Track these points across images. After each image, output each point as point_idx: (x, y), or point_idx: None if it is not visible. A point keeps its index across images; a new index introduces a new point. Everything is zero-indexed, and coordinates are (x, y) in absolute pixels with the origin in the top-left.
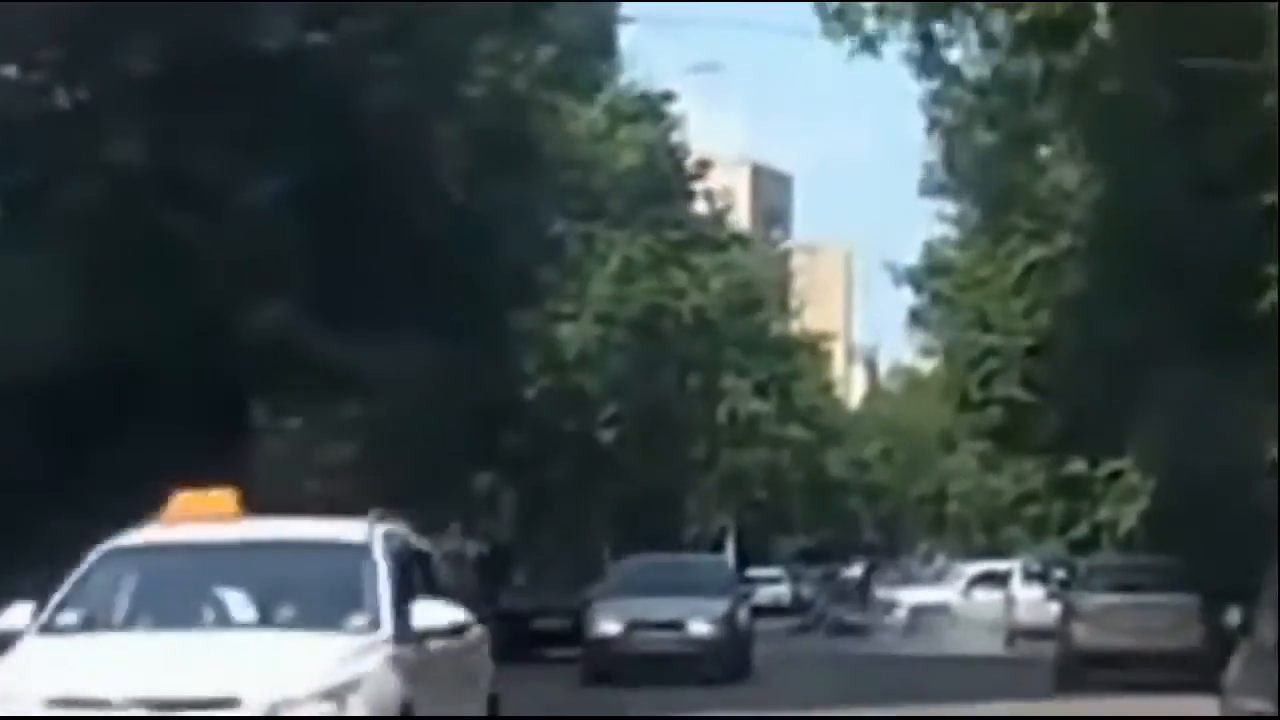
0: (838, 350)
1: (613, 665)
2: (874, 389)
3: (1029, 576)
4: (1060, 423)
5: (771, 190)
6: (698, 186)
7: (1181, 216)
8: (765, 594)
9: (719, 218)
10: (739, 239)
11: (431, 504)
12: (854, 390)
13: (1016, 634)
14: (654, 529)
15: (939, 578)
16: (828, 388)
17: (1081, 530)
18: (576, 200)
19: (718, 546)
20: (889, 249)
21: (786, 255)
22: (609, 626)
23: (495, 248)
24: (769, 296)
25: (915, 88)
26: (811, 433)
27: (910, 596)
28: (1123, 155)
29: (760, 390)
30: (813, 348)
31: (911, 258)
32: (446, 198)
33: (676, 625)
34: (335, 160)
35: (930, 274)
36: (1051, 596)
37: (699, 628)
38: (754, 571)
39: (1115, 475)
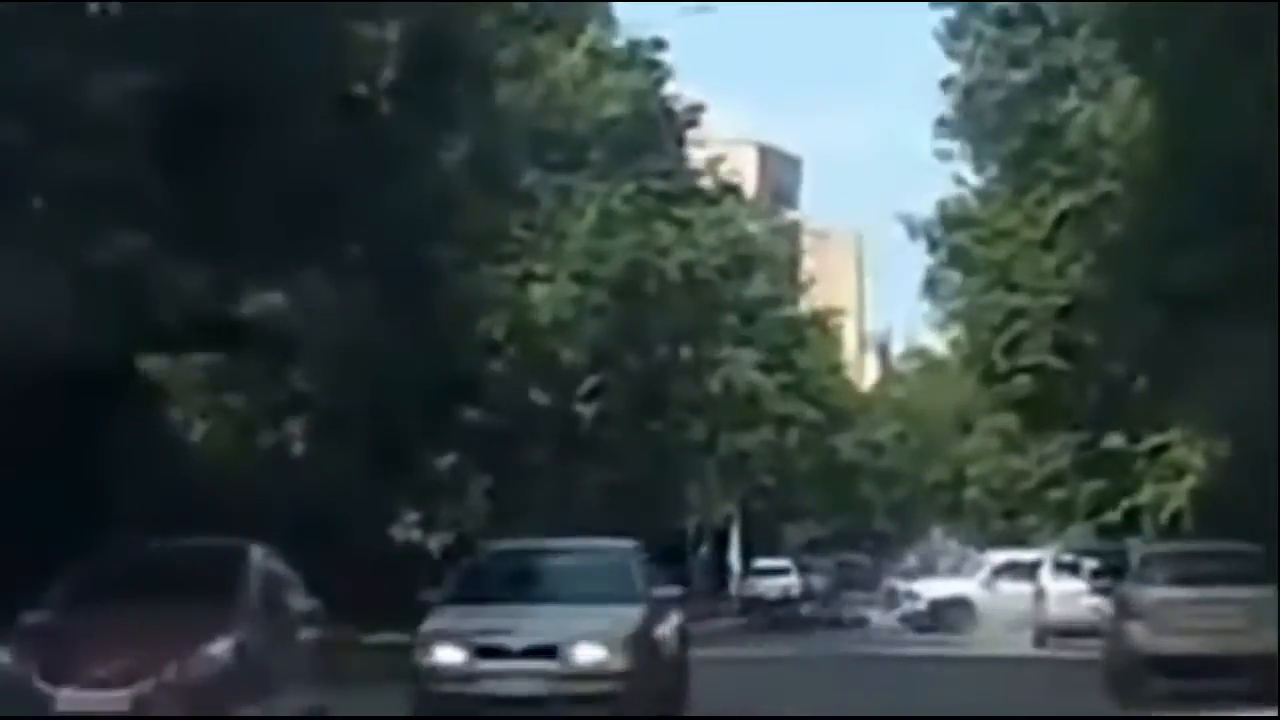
0: (849, 334)
1: (452, 711)
2: (887, 374)
3: (1060, 567)
4: (1097, 392)
5: (779, 172)
6: (691, 135)
7: (1251, 141)
8: (773, 586)
9: (713, 168)
10: (734, 191)
11: (379, 489)
12: (866, 378)
13: (1047, 632)
14: (649, 518)
15: (957, 568)
16: (837, 368)
17: (1115, 514)
18: (553, 149)
19: (722, 537)
20: (900, 234)
21: (795, 227)
22: (445, 655)
23: (417, 173)
24: (775, 272)
25: (932, 19)
26: (820, 412)
27: (927, 588)
28: (1179, 75)
29: (766, 369)
30: (822, 324)
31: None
32: (358, 110)
33: (550, 652)
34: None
35: (948, 228)
36: (1098, 590)
37: (588, 654)
38: (761, 562)
39: (1159, 450)
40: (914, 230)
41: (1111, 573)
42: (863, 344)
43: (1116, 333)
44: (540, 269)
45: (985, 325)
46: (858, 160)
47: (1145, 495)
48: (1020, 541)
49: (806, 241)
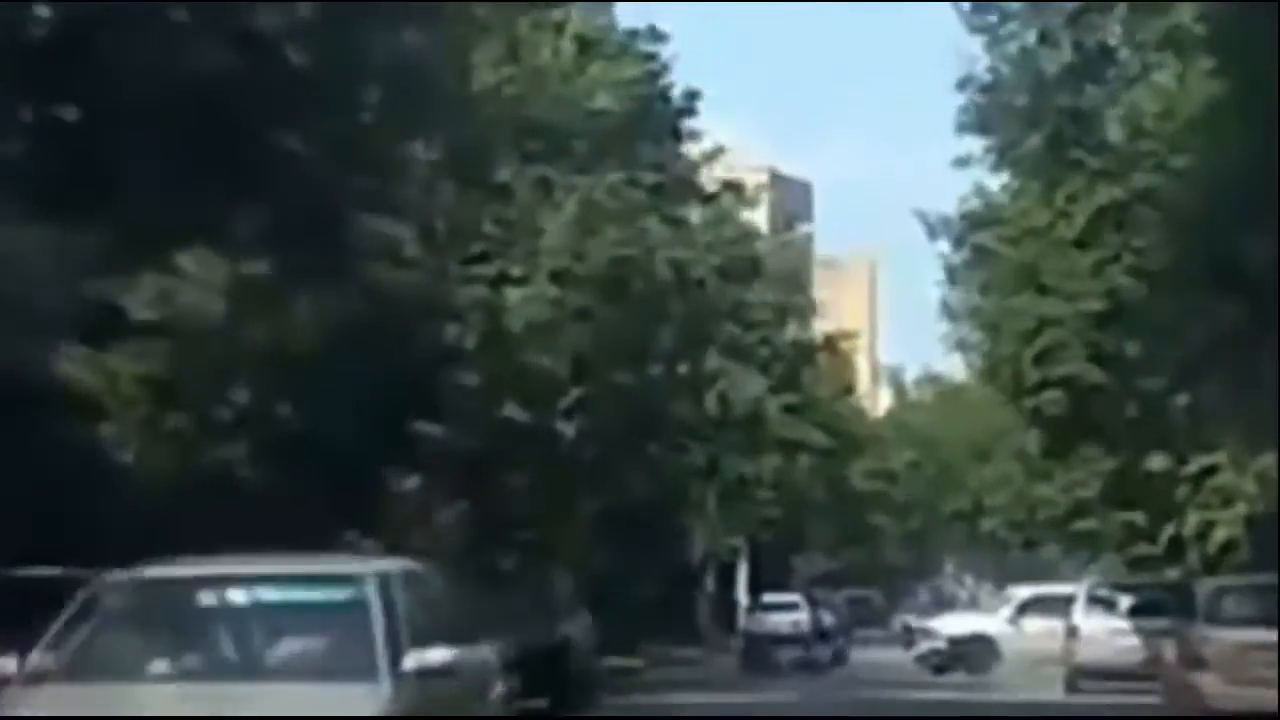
0: (862, 365)
1: None
2: (900, 403)
3: (1094, 602)
4: (1136, 409)
5: (790, 198)
6: (686, 126)
7: None
8: (781, 622)
9: (711, 160)
10: (735, 188)
11: (331, 515)
12: (879, 409)
13: (1080, 674)
14: (649, 552)
15: (973, 602)
16: (849, 390)
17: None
18: (535, 139)
19: (728, 570)
20: (915, 265)
21: (807, 243)
22: None
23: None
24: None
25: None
26: (829, 438)
27: (945, 625)
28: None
29: (772, 390)
30: (833, 348)
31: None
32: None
33: None
34: None
35: (971, 226)
36: (1138, 629)
37: None
38: (768, 597)
39: (1207, 473)
40: (933, 229)
41: (1151, 609)
42: (875, 375)
43: (1160, 342)
44: (516, 270)
45: (1012, 334)
46: (870, 187)
47: (1190, 523)
48: (1039, 576)
49: (817, 272)
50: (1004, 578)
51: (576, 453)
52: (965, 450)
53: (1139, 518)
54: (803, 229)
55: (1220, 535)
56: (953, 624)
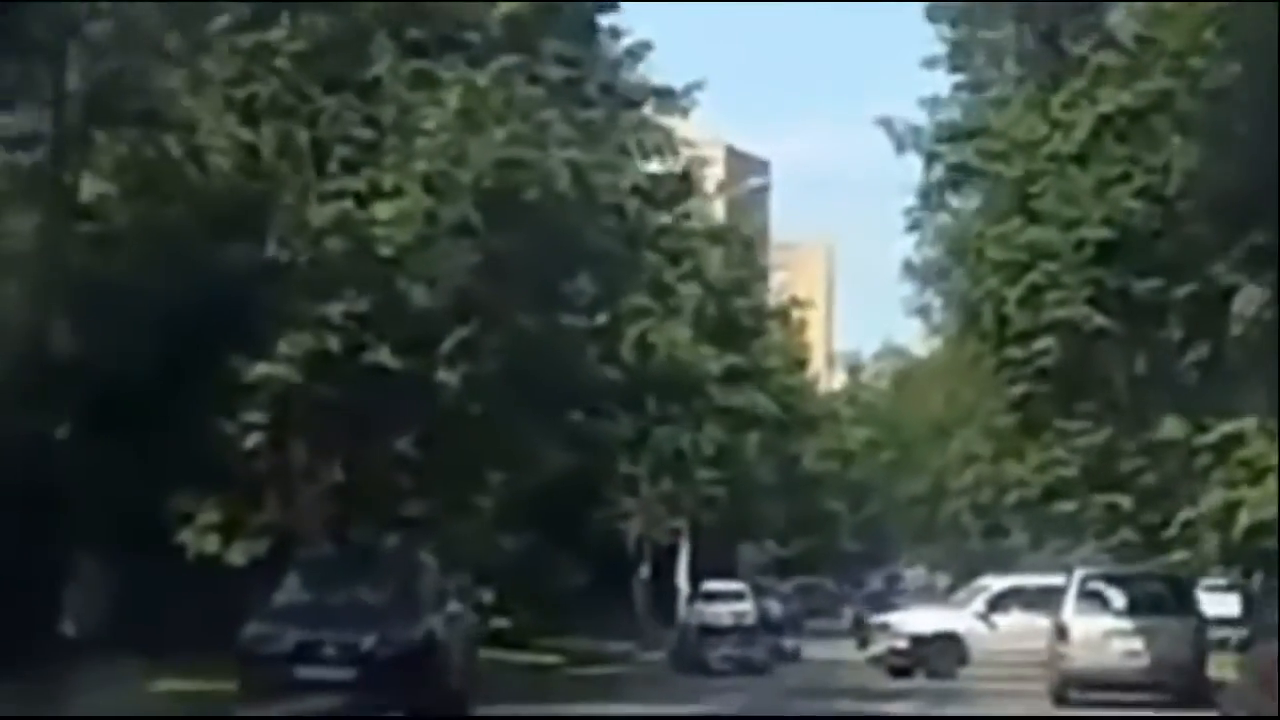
0: (817, 351)
1: None
2: (856, 383)
3: (1085, 596)
4: (1148, 361)
5: (747, 176)
6: (605, 23)
7: None
8: (724, 612)
9: (635, 61)
10: (665, 95)
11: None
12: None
13: (1070, 683)
14: (572, 533)
15: (929, 592)
16: (802, 364)
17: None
18: (415, 28)
19: (668, 556)
20: (874, 250)
21: (763, 193)
22: None
23: None
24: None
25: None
26: (776, 406)
27: (906, 621)
28: None
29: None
30: (785, 318)
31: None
32: None
33: None
34: None
35: (946, 138)
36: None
37: None
38: (710, 585)
39: (1230, 442)
40: (900, 140)
41: (1151, 605)
42: (831, 361)
43: (1176, 280)
44: (388, 181)
45: (994, 269)
46: (829, 174)
47: (1208, 502)
48: (1003, 565)
49: (773, 253)
50: (964, 568)
51: (463, 409)
52: (926, 430)
53: (1125, 500)
54: (756, 182)
55: (1246, 517)
56: (915, 620)
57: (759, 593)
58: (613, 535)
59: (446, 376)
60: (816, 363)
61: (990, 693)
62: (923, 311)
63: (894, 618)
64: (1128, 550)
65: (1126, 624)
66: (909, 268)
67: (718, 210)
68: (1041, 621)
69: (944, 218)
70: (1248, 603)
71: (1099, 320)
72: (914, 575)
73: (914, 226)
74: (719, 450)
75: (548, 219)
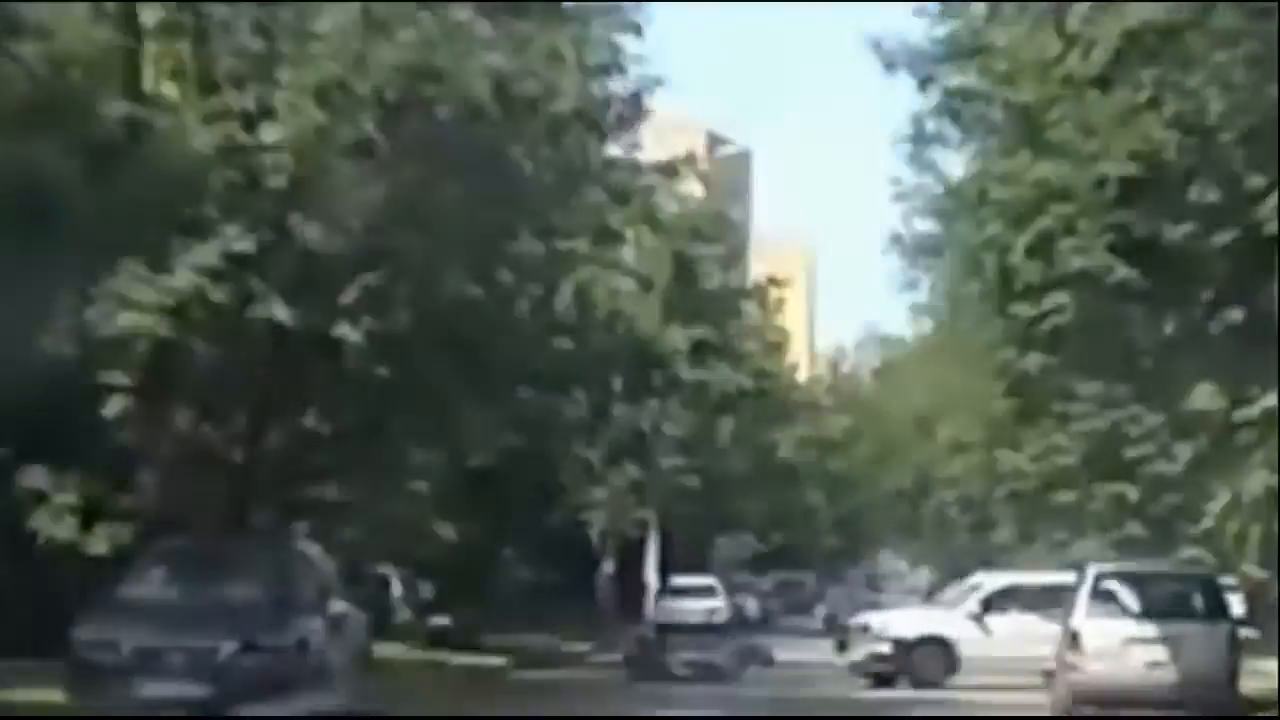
0: (798, 348)
1: None
2: (836, 375)
3: (1099, 596)
4: (1178, 321)
5: (729, 164)
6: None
7: None
8: (694, 609)
9: None
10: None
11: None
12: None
13: (1083, 698)
14: (517, 522)
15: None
16: (779, 346)
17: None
18: None
19: (638, 549)
20: (855, 248)
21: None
22: None
23: None
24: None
25: None
26: (744, 374)
27: (890, 624)
28: None
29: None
30: (762, 297)
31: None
32: None
33: None
34: None
35: (947, 58)
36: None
37: None
38: (679, 580)
39: (1272, 416)
40: (890, 61)
41: (1176, 609)
42: (812, 363)
43: (1212, 224)
44: (279, 101)
45: (1001, 213)
46: (813, 173)
47: (1251, 488)
48: (991, 562)
49: (753, 249)
50: (949, 564)
51: (369, 370)
52: (910, 418)
53: (1132, 491)
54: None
55: None
56: (899, 622)
57: (734, 589)
58: (575, 526)
59: (347, 331)
60: (795, 354)
61: (986, 707)
62: (910, 286)
63: (876, 619)
64: (1134, 545)
65: (1149, 630)
66: (896, 240)
67: (696, 189)
68: (1041, 624)
69: (931, 181)
70: (1251, 606)
71: (1122, 272)
72: (896, 571)
73: (900, 197)
74: (690, 437)
75: (466, 141)
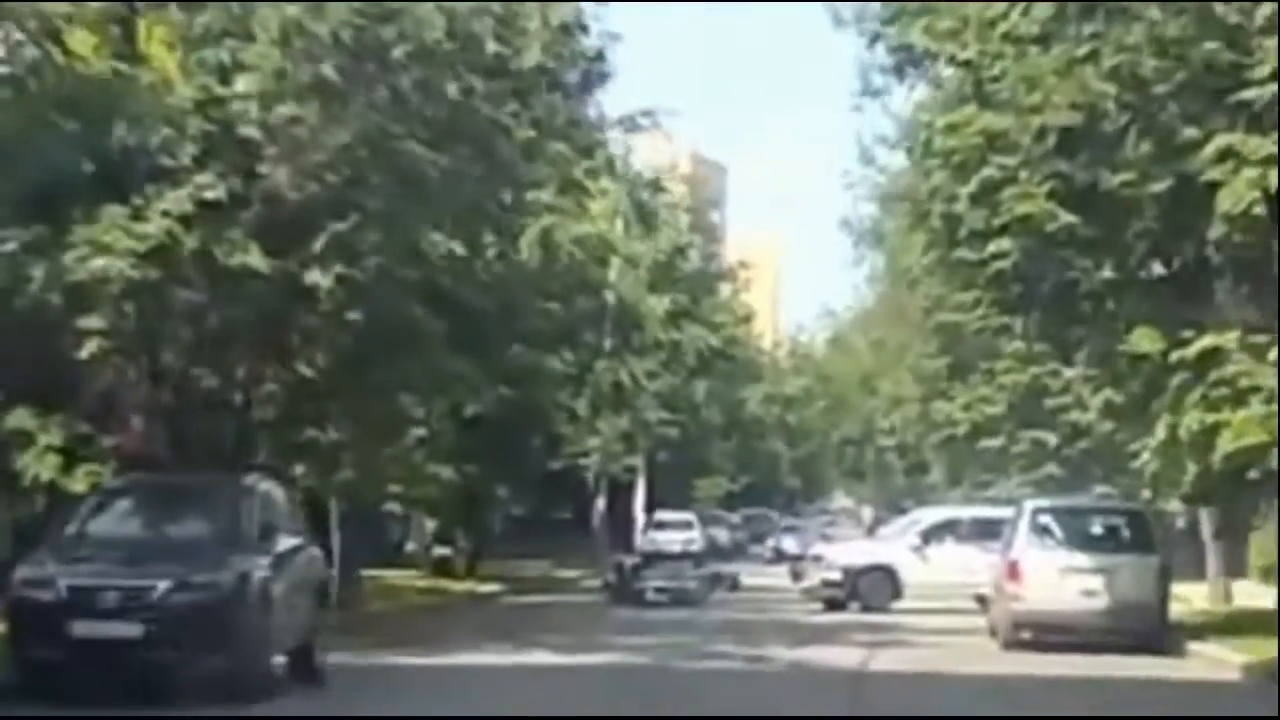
0: (764, 333)
1: None
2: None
3: (1037, 530)
4: (1117, 265)
5: (706, 178)
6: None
7: None
8: (673, 540)
9: None
10: None
11: None
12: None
13: (1022, 626)
14: (512, 465)
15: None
16: (748, 319)
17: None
18: None
19: (628, 490)
20: (815, 243)
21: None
22: None
23: None
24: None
25: None
26: (713, 334)
27: (840, 554)
28: None
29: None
30: (733, 276)
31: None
32: None
33: None
34: None
35: (893, 18)
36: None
37: None
38: (661, 515)
39: (1206, 359)
40: (838, 16)
41: (1107, 542)
42: (776, 334)
43: (1153, 171)
44: (251, 54)
45: (946, 163)
46: (782, 185)
47: (1188, 427)
48: (924, 500)
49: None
50: (888, 502)
51: (351, 321)
52: (856, 378)
53: (1051, 436)
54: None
55: (1229, 444)
56: (848, 553)
57: (709, 523)
58: (574, 469)
59: (317, 278)
60: (762, 327)
61: (930, 631)
62: (857, 262)
63: (828, 550)
64: (1052, 484)
65: (1084, 561)
66: (845, 224)
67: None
68: (974, 553)
69: (877, 175)
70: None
71: (1064, 218)
72: (846, 509)
73: (850, 185)
74: (671, 394)
75: (424, 88)
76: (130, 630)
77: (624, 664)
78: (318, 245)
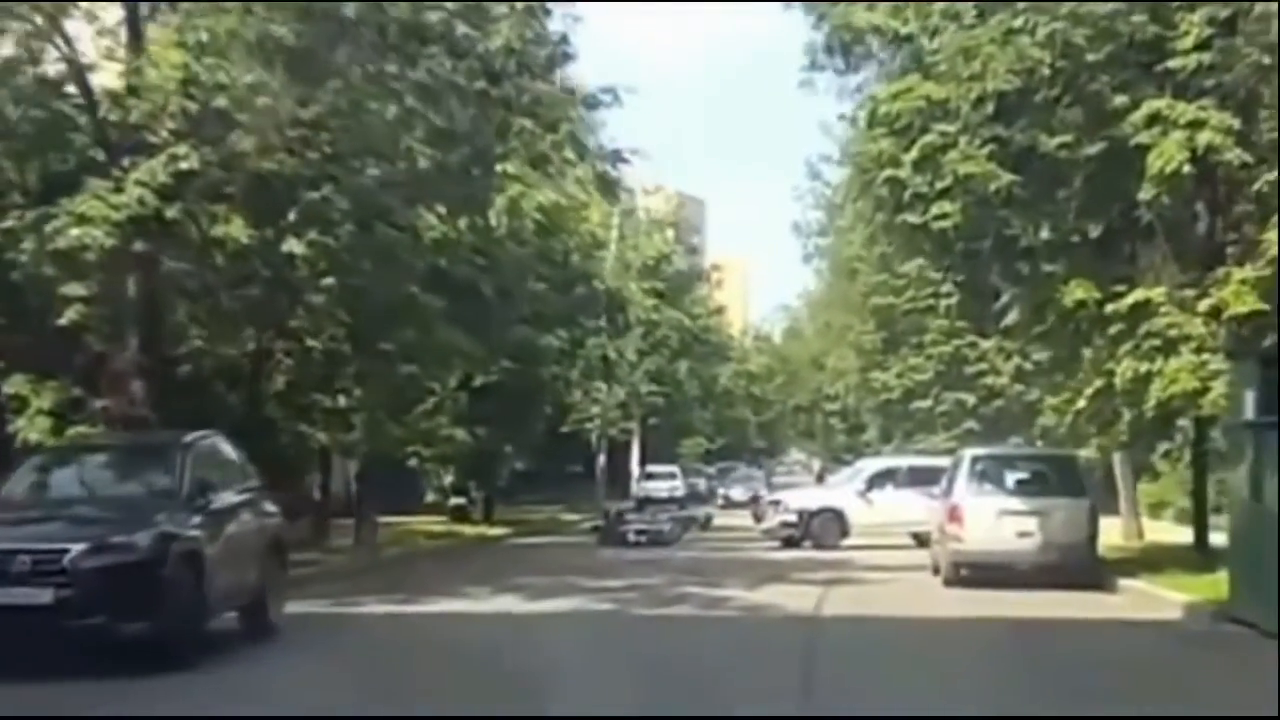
0: (738, 319)
1: None
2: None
3: (977, 477)
4: (1052, 225)
5: (688, 214)
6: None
7: None
8: (660, 487)
9: None
10: None
11: None
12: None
13: (963, 565)
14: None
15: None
16: (720, 311)
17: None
18: None
19: (625, 448)
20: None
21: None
22: None
23: None
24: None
25: None
26: (685, 316)
27: (795, 499)
28: None
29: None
30: (707, 278)
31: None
32: None
33: None
34: None
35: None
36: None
37: None
38: (653, 468)
39: (1139, 311)
40: None
41: (1044, 485)
42: (745, 326)
43: (1089, 132)
44: (223, 24)
45: (890, 130)
46: (752, 211)
47: (1123, 375)
48: (857, 454)
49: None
50: (831, 456)
51: (310, 283)
52: (806, 358)
53: (970, 397)
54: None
55: (1161, 391)
56: (803, 498)
57: (690, 474)
58: (581, 432)
59: (294, 246)
60: (734, 320)
61: (876, 568)
62: (808, 259)
63: (786, 496)
64: (970, 437)
65: (1020, 504)
66: (796, 228)
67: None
68: (910, 497)
69: (821, 186)
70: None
71: (1004, 178)
72: (800, 461)
73: (799, 197)
74: (659, 371)
75: (398, 59)
76: (41, 596)
77: (585, 610)
78: (293, 214)
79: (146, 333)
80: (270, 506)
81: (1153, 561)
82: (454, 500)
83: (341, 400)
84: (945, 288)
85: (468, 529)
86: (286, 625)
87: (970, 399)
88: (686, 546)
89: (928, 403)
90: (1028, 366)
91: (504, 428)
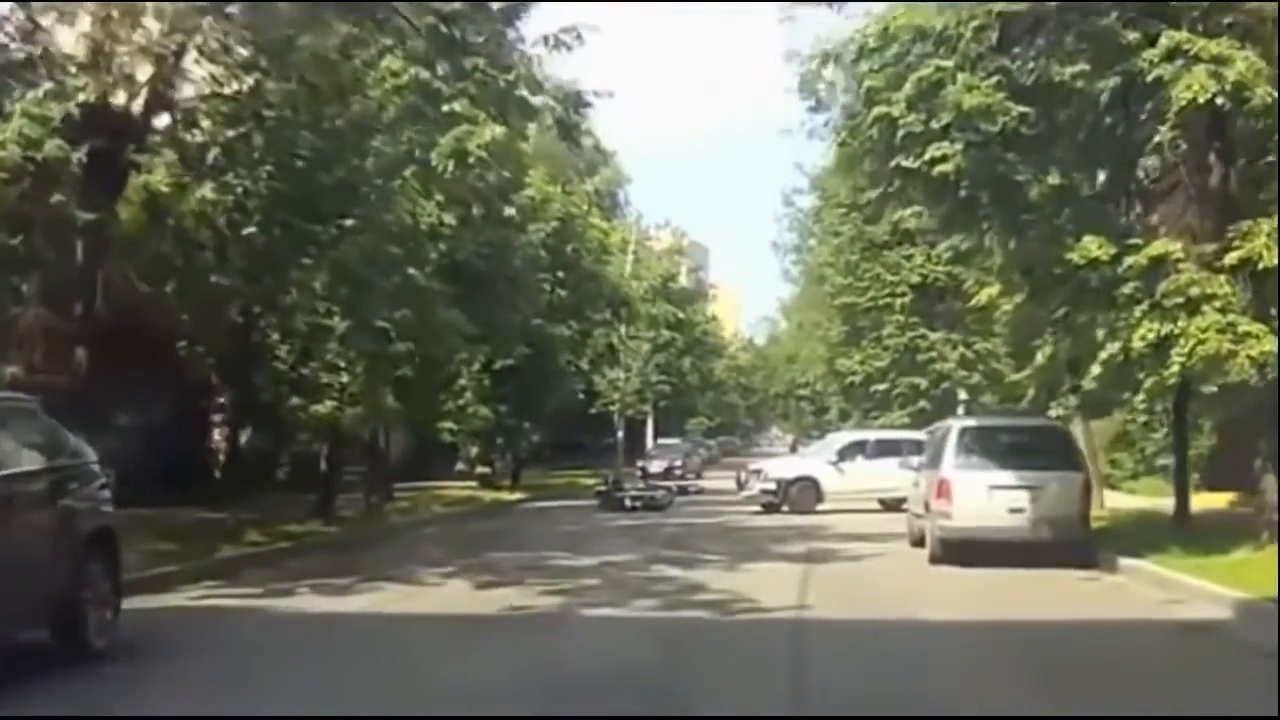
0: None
1: None
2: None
3: (964, 450)
4: (1061, 171)
5: (696, 256)
6: None
7: None
8: (669, 454)
9: None
10: None
11: None
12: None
13: (952, 541)
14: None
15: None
16: (715, 318)
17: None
18: None
19: (641, 425)
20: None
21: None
22: None
23: None
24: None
25: None
26: (678, 310)
27: (774, 469)
28: None
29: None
30: (702, 296)
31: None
32: None
33: None
34: None
35: None
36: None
37: None
38: (661, 441)
39: (1157, 267)
40: None
41: (1035, 457)
42: (735, 332)
43: (1104, 64)
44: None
45: (880, 64)
46: (745, 252)
47: (1140, 342)
48: (821, 430)
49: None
50: (800, 433)
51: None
52: (783, 355)
53: (923, 381)
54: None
55: (1185, 354)
56: (781, 467)
57: (694, 446)
58: (605, 412)
59: (209, 192)
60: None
61: (852, 536)
62: (786, 274)
63: (766, 465)
64: (922, 416)
65: (1010, 478)
66: (775, 246)
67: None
68: (878, 466)
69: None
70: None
71: (1013, 109)
72: (778, 436)
73: (777, 219)
74: (667, 366)
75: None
76: None
77: (521, 612)
78: (210, 157)
79: (88, 298)
80: (101, 493)
81: (1132, 533)
82: (479, 469)
83: (334, 378)
84: (900, 288)
85: (488, 494)
86: (138, 631)
87: (922, 382)
88: (676, 513)
89: (885, 385)
90: (970, 355)
91: (521, 406)
